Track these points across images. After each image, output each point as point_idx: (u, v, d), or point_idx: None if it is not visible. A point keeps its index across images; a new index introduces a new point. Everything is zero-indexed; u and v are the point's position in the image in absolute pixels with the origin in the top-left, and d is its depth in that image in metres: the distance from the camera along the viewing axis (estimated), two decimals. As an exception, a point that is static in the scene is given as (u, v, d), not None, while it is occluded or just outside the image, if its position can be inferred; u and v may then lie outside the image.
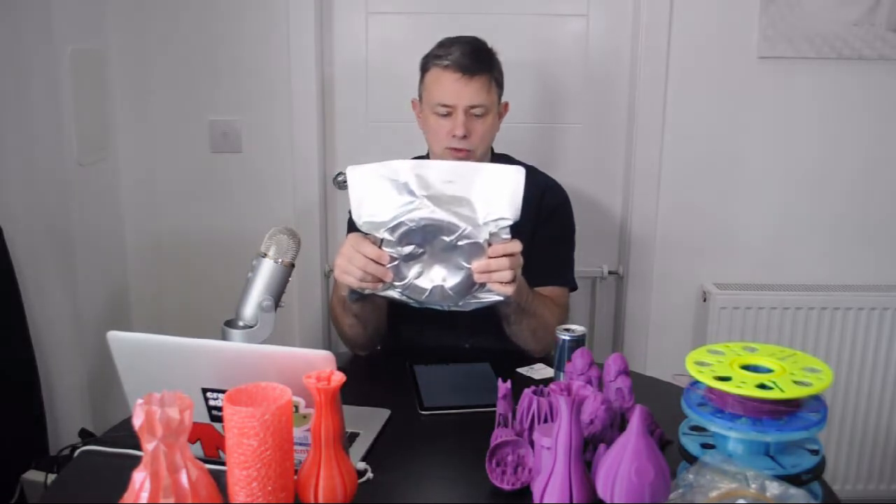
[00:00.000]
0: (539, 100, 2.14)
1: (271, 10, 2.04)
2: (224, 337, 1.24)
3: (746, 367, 0.99)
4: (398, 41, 2.12)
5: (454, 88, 1.54)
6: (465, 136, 1.55)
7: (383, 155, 2.10)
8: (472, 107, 1.55)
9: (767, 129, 2.11)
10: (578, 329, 1.31)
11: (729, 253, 2.18)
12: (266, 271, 1.26)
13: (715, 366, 0.99)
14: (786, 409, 0.95)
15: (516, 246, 1.24)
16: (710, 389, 0.98)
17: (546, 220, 1.65)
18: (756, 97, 2.08)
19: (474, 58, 1.56)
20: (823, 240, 2.17)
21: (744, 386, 0.93)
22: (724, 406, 0.96)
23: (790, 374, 0.97)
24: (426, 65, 1.60)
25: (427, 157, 1.70)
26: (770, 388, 0.93)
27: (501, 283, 1.24)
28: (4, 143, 1.71)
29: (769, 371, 0.98)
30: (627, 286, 2.20)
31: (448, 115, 1.56)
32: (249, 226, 2.09)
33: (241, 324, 1.25)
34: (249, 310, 1.25)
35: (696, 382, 1.02)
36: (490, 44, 1.65)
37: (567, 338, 1.30)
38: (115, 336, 1.01)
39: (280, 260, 1.26)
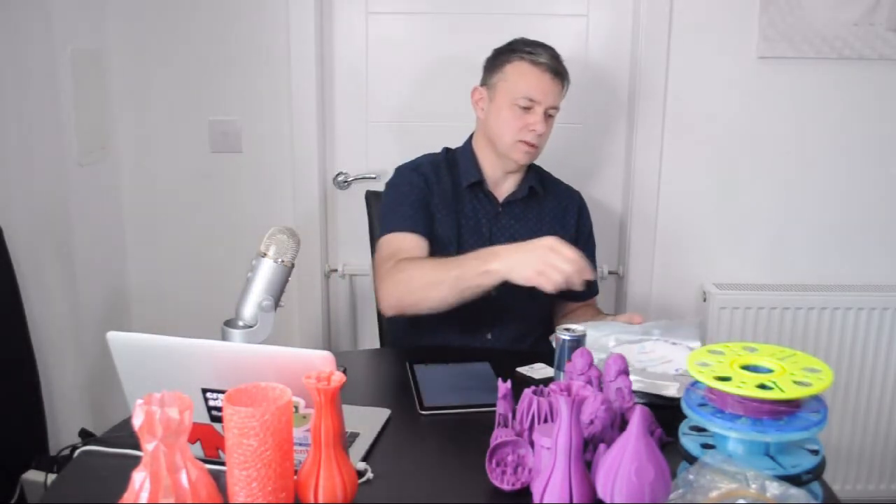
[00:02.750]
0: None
1: (271, 11, 2.04)
2: (224, 337, 1.24)
3: (746, 368, 0.99)
4: (398, 41, 2.12)
5: (544, 86, 1.61)
6: (541, 133, 1.62)
7: (383, 155, 2.12)
8: (552, 107, 1.63)
9: (767, 129, 2.11)
10: (579, 329, 1.31)
11: (729, 253, 2.18)
12: (266, 271, 1.25)
13: (715, 366, 0.99)
14: (786, 409, 0.95)
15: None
16: (710, 389, 0.98)
17: (583, 240, 1.76)
18: (756, 97, 2.08)
19: (560, 64, 1.64)
20: (823, 240, 2.17)
21: (744, 386, 0.93)
22: (724, 406, 0.96)
23: (790, 374, 0.97)
24: (509, 57, 1.64)
25: (469, 144, 1.73)
26: (770, 388, 0.93)
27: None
28: (4, 143, 1.71)
29: (769, 371, 0.98)
30: (627, 286, 2.20)
31: (528, 109, 1.60)
32: (249, 226, 2.09)
33: (240, 324, 1.25)
34: (249, 310, 1.25)
35: (695, 383, 1.02)
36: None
37: (567, 338, 1.30)
38: (115, 336, 1.01)
39: (280, 260, 1.26)
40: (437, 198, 1.66)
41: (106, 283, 2.07)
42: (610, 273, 2.22)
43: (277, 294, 1.26)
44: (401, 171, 1.72)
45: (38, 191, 1.78)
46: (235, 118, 2.10)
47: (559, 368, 1.30)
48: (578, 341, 1.29)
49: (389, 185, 1.72)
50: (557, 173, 1.83)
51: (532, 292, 1.37)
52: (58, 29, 1.77)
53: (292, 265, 1.28)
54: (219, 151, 2.12)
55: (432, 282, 1.46)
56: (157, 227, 2.17)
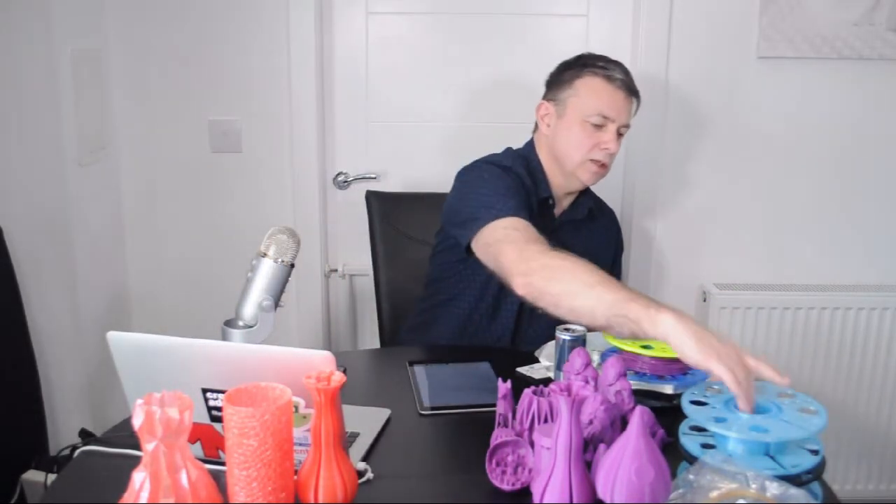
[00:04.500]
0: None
1: (271, 10, 2.04)
2: (224, 337, 1.24)
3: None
4: (398, 41, 2.12)
5: (619, 104, 1.55)
6: (612, 153, 1.57)
7: (383, 155, 2.12)
8: (624, 126, 1.57)
9: (767, 129, 2.11)
10: (578, 329, 1.31)
11: (729, 253, 2.18)
12: (266, 271, 1.25)
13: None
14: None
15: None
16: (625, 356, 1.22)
17: (619, 254, 1.79)
18: (756, 97, 2.08)
19: (632, 81, 1.59)
20: (823, 240, 2.17)
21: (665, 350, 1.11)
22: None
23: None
24: (579, 73, 1.57)
25: (528, 153, 1.63)
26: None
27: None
28: (4, 143, 1.71)
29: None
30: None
31: (600, 127, 1.55)
32: (249, 226, 2.09)
33: (240, 324, 1.25)
34: (249, 310, 1.25)
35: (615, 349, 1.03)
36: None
37: (567, 338, 1.30)
38: (114, 336, 1.01)
39: (280, 259, 1.26)
40: (528, 201, 1.55)
41: (106, 283, 2.07)
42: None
43: (277, 294, 1.26)
44: (487, 166, 1.56)
45: (38, 191, 1.78)
46: (235, 118, 2.10)
47: (559, 368, 1.30)
48: (578, 341, 1.29)
49: (479, 176, 1.54)
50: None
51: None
52: (58, 29, 1.77)
53: (292, 265, 1.28)
54: (219, 151, 2.12)
55: (588, 288, 1.20)
56: (157, 227, 2.17)
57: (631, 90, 1.57)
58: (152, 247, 2.18)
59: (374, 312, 1.97)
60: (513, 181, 1.53)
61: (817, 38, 2.02)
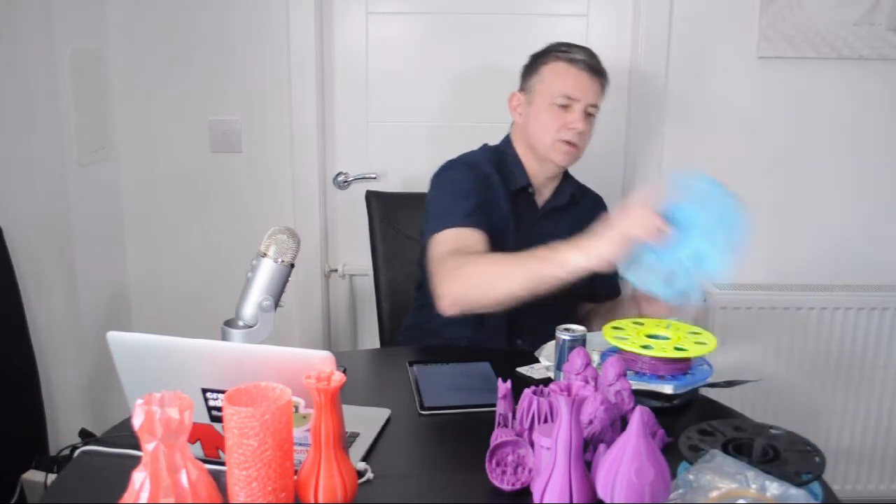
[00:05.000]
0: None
1: (271, 10, 2.04)
2: (224, 337, 1.24)
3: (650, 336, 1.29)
4: (398, 41, 2.12)
5: (582, 84, 1.59)
6: (581, 132, 1.60)
7: (383, 155, 2.12)
8: (592, 105, 1.61)
9: (767, 129, 2.11)
10: (578, 329, 1.31)
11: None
12: (266, 271, 1.25)
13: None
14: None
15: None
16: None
17: None
18: (756, 97, 2.08)
19: (598, 62, 1.63)
20: (823, 240, 2.17)
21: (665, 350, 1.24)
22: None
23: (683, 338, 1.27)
24: (544, 60, 1.64)
25: (511, 147, 1.68)
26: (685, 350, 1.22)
27: None
28: (4, 143, 1.71)
29: (667, 339, 1.28)
30: (627, 286, 2.19)
31: (566, 107, 1.59)
32: (249, 226, 2.09)
33: (240, 324, 1.25)
34: (249, 310, 1.25)
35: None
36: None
37: (567, 338, 1.30)
38: (114, 336, 1.01)
39: (280, 259, 1.26)
40: (495, 196, 1.62)
41: (106, 283, 2.07)
42: (610, 273, 2.22)
43: (277, 294, 1.26)
44: (454, 165, 1.65)
45: (38, 191, 1.78)
46: (235, 118, 2.11)
47: (558, 368, 1.30)
48: (578, 341, 1.29)
49: (443, 179, 1.64)
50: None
51: (559, 300, 1.38)
52: (58, 29, 1.77)
53: (292, 265, 1.28)
54: (219, 151, 2.12)
55: (501, 274, 1.38)
56: (157, 227, 2.17)
57: (594, 70, 1.61)
58: (152, 247, 2.18)
59: (374, 312, 1.97)
60: (474, 180, 1.60)
61: (817, 38, 2.02)
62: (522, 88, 1.67)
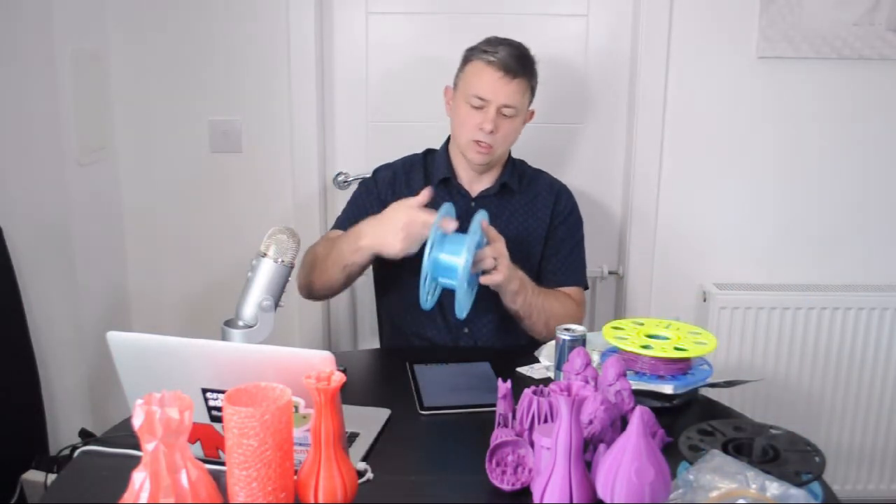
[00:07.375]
0: (539, 100, 2.15)
1: (271, 11, 2.04)
2: (224, 337, 1.24)
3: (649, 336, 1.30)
4: (398, 41, 2.12)
5: (494, 85, 1.58)
6: (491, 132, 1.59)
7: (383, 155, 2.11)
8: (506, 106, 1.59)
9: (767, 129, 2.11)
10: (578, 329, 1.31)
11: (729, 253, 2.18)
12: (266, 271, 1.26)
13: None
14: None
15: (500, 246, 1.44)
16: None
17: (560, 224, 1.73)
18: (756, 97, 2.08)
19: (518, 61, 1.60)
20: (823, 240, 2.17)
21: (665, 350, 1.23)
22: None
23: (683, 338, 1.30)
24: (469, 56, 1.64)
25: (446, 143, 1.75)
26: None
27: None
28: (4, 143, 1.71)
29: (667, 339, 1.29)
30: (627, 286, 2.20)
31: (480, 108, 1.59)
32: (249, 226, 2.09)
33: (240, 324, 1.25)
34: (249, 310, 1.25)
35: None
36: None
37: (567, 338, 1.30)
38: (114, 336, 1.01)
39: (280, 259, 1.26)
40: (402, 198, 1.57)
41: (106, 283, 2.07)
42: (610, 273, 2.22)
43: (277, 294, 1.26)
44: (373, 172, 1.78)
45: (38, 191, 1.78)
46: (235, 118, 2.10)
47: (558, 368, 1.31)
48: (578, 341, 1.29)
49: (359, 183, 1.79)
50: (557, 172, 1.83)
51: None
52: (58, 29, 1.77)
53: (292, 265, 1.28)
54: (219, 151, 2.12)
55: (323, 262, 1.55)
56: (157, 227, 2.17)
57: (509, 70, 1.57)
58: (152, 247, 2.18)
59: (374, 312, 1.97)
60: (361, 191, 1.74)
61: (817, 38, 2.02)
62: (455, 83, 1.69)
